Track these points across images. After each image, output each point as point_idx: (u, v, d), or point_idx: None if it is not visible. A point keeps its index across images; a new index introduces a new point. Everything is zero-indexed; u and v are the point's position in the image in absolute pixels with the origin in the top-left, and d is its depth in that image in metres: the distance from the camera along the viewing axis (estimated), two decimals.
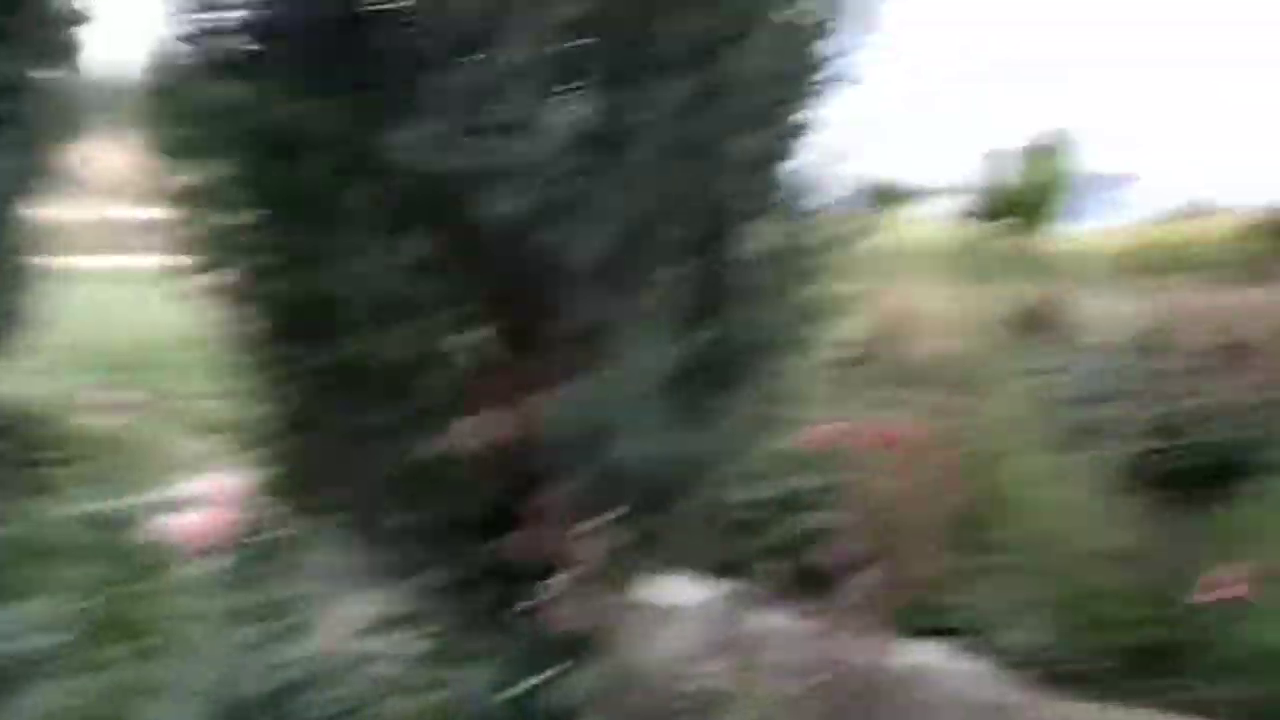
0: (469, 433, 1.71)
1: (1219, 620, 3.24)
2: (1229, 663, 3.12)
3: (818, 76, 1.79)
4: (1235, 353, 6.86)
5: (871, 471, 3.74)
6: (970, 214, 21.91)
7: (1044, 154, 22.19)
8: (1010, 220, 21.20)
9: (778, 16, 1.72)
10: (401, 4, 1.65)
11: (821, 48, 1.79)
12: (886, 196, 18.52)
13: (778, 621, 3.18)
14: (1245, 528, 3.62)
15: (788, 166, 1.86)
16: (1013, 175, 22.01)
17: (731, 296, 1.76)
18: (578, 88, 1.63)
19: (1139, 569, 3.47)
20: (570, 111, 1.59)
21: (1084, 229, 23.17)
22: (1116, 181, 29.89)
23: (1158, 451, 3.41)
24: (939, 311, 8.95)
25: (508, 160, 1.55)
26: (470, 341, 1.79)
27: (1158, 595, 3.30)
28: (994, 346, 7.54)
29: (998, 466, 4.46)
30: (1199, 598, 3.23)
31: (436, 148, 1.55)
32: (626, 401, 1.65)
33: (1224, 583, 3.22)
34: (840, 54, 1.80)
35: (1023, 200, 21.47)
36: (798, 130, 1.83)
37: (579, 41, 1.62)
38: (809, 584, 3.22)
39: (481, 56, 1.57)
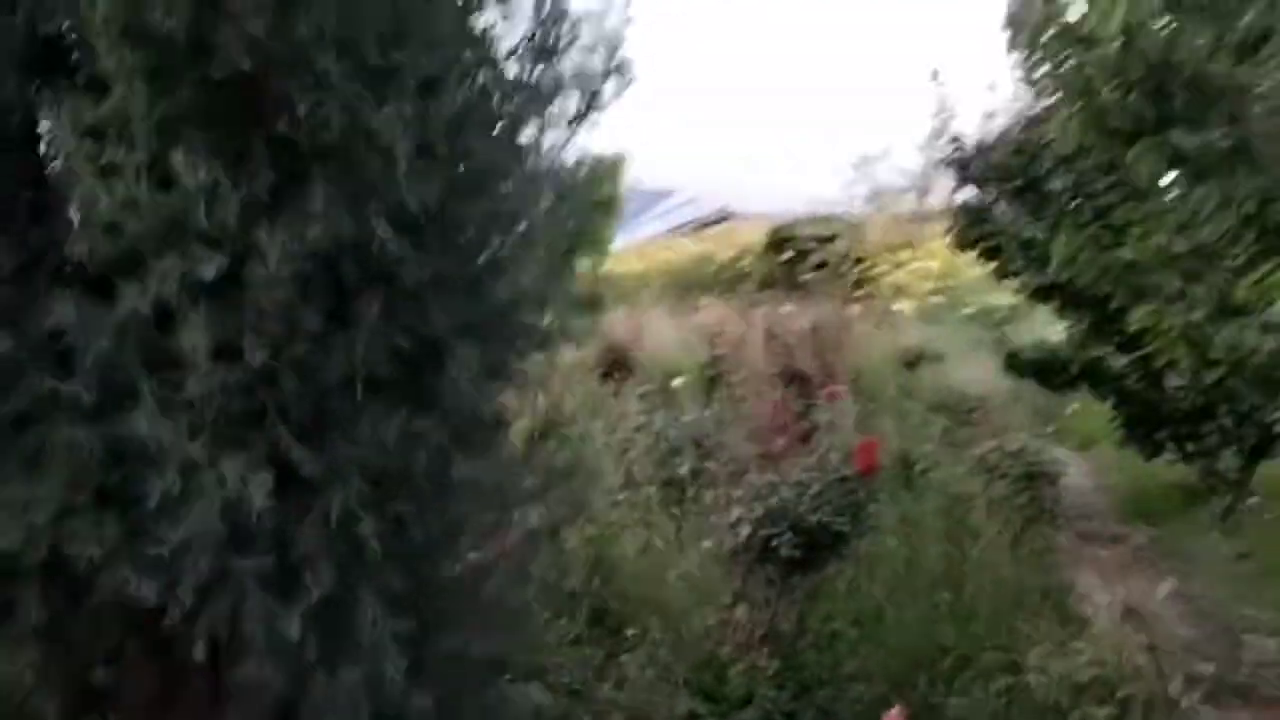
0: None
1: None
2: None
3: None
4: (794, 379, 7.67)
5: None
6: None
7: (595, 175, 23.47)
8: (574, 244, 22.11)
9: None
10: None
11: None
12: None
13: None
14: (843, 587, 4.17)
15: None
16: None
17: None
18: None
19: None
20: None
21: (631, 246, 24.92)
22: (658, 196, 32.62)
23: (761, 534, 3.60)
24: None
25: None
26: None
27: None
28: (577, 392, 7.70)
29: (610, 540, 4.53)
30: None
31: None
32: None
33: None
34: None
35: (584, 222, 22.49)
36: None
37: None
38: None
39: None
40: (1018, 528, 5.09)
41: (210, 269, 1.22)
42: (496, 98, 1.51)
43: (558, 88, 1.58)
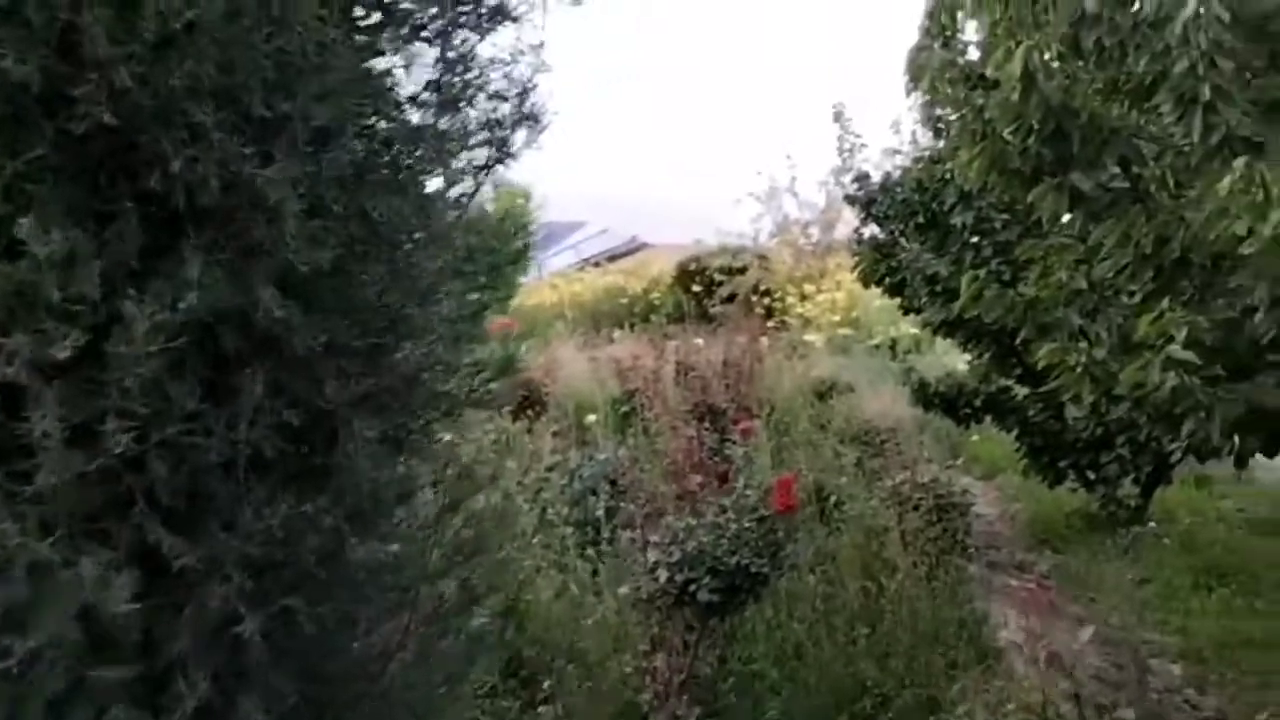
0: None
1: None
2: None
3: None
4: (708, 413, 7.64)
5: None
6: None
7: (506, 207, 23.25)
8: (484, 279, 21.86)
9: None
10: None
11: None
12: None
13: None
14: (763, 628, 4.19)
15: None
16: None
17: None
18: None
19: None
20: None
21: (543, 278, 24.82)
22: (570, 228, 32.63)
23: (679, 579, 3.53)
24: None
25: None
26: None
27: None
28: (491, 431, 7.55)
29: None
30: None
31: None
32: None
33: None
34: None
35: (494, 257, 22.26)
36: None
37: None
38: None
39: None
40: (932, 559, 5.13)
41: (64, 347, 1.08)
42: (395, 150, 1.41)
43: (465, 137, 1.49)
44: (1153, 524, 6.48)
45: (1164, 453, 5.69)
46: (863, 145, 7.55)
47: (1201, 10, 3.14)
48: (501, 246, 22.12)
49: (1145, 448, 5.79)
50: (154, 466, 1.14)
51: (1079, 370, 3.82)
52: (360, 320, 1.32)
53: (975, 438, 8.72)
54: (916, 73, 4.38)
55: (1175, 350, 3.29)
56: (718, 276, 17.55)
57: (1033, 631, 4.64)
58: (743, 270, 17.26)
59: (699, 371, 8.87)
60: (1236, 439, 3.63)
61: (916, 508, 5.67)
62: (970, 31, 4.56)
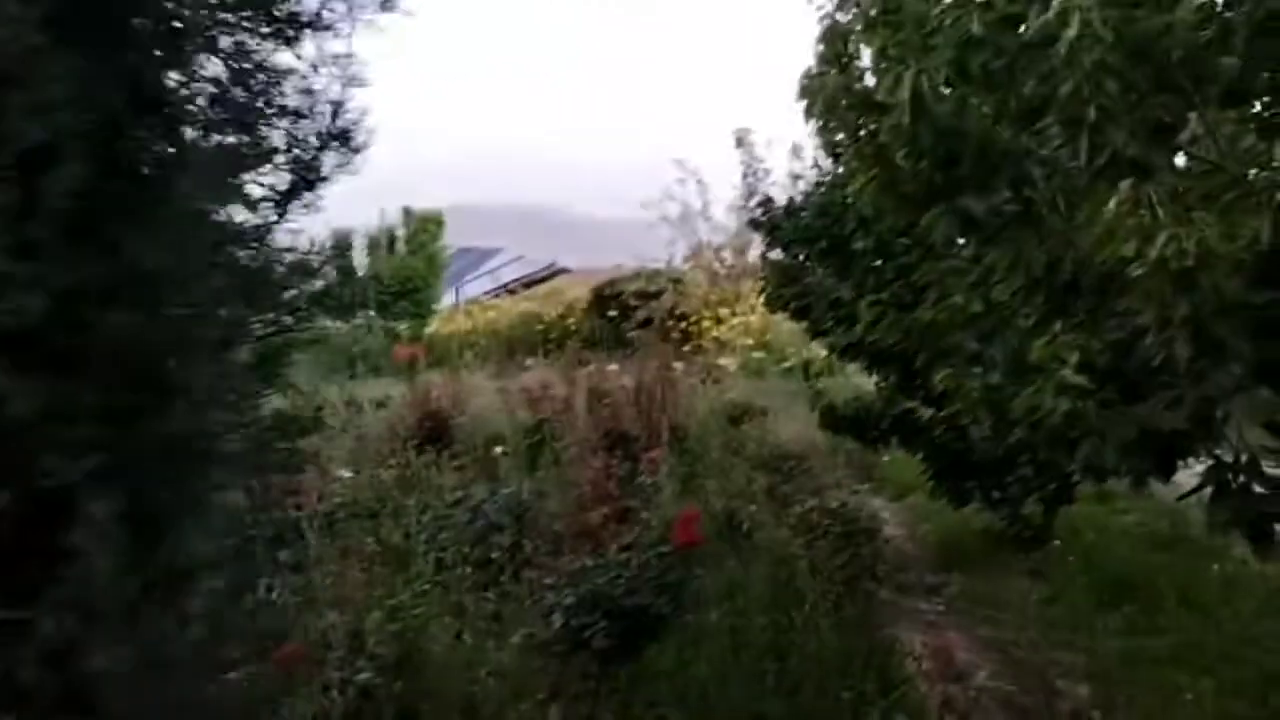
0: None
1: None
2: None
3: None
4: (618, 441, 7.51)
5: None
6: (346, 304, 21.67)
7: (417, 233, 22.77)
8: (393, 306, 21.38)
9: None
10: None
11: None
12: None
13: None
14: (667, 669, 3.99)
15: None
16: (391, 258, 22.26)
17: None
18: None
19: None
20: None
21: (457, 305, 24.46)
22: (486, 254, 32.32)
23: (574, 623, 3.37)
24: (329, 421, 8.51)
25: None
26: None
27: None
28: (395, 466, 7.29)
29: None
30: None
31: None
32: None
33: None
34: None
35: (405, 283, 21.82)
36: None
37: None
38: None
39: None
40: (840, 587, 5.06)
41: None
42: (154, 173, 1.23)
43: (259, 159, 1.31)
44: (1057, 542, 6.54)
45: (1066, 472, 5.74)
46: (766, 170, 7.54)
47: (1086, 31, 3.13)
48: (411, 274, 21.71)
49: (1047, 467, 5.82)
50: None
51: (975, 395, 3.78)
52: (104, 383, 1.13)
53: (887, 459, 8.75)
54: (810, 98, 4.33)
55: (1068, 375, 3.26)
56: (633, 301, 17.50)
57: (936, 653, 4.60)
58: (658, 295, 17.24)
59: (612, 398, 8.75)
60: (1130, 460, 3.62)
61: (825, 535, 5.62)
62: (866, 57, 4.55)
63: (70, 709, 1.11)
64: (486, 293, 27.34)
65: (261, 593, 2.76)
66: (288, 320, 1.51)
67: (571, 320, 18.72)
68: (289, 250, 1.44)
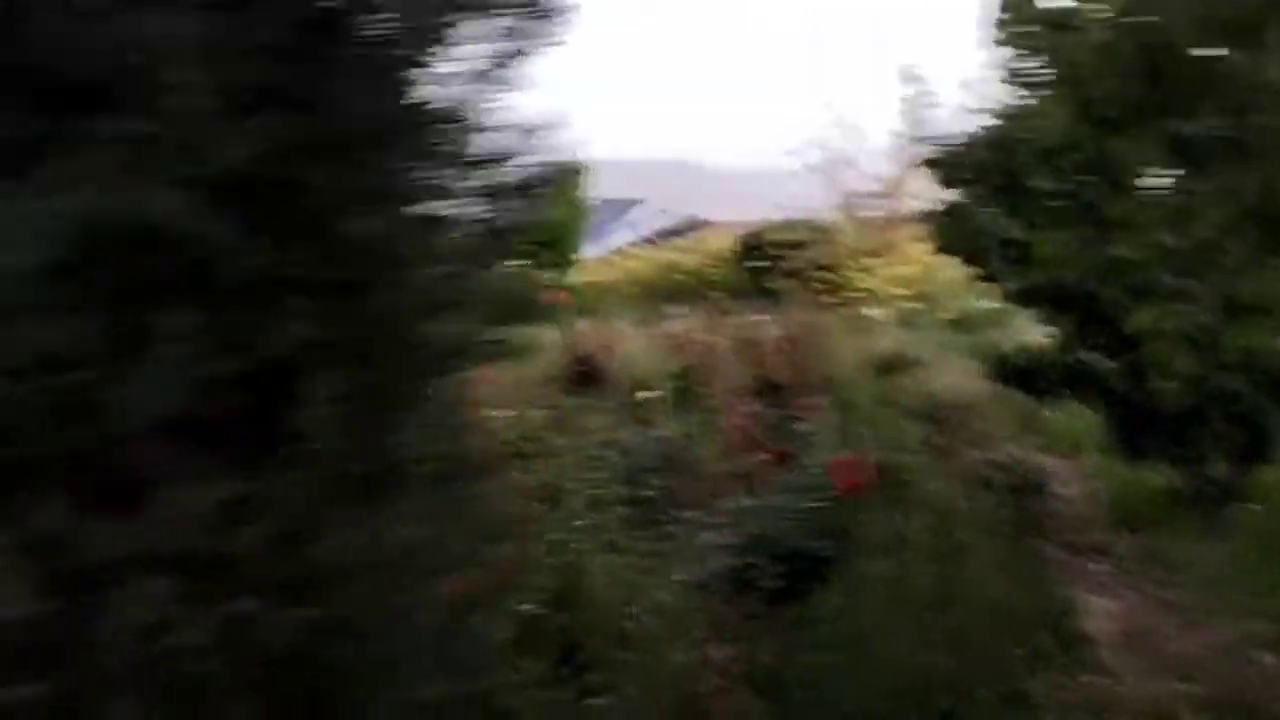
0: None
1: None
2: None
3: None
4: (768, 389, 7.40)
5: None
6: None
7: (561, 183, 22.96)
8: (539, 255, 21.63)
9: None
10: None
11: None
12: None
13: None
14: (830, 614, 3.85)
15: None
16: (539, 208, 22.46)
17: None
18: None
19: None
20: None
21: (600, 255, 24.60)
22: (626, 205, 32.40)
23: (740, 563, 3.29)
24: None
25: None
26: None
27: None
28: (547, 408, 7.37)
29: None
30: None
31: None
32: None
33: None
34: None
35: (549, 233, 22.01)
36: None
37: None
38: None
39: None
40: (1007, 542, 4.83)
41: None
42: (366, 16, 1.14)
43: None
44: (1247, 504, 6.05)
45: (1262, 426, 5.28)
46: (936, 105, 7.13)
47: None
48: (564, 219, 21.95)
49: (1241, 420, 5.37)
50: (38, 432, 0.89)
51: (1177, 336, 3.47)
52: (317, 240, 1.05)
53: (1055, 414, 8.32)
54: (998, 23, 4.04)
55: None
56: (778, 251, 17.15)
57: (1123, 620, 4.33)
58: (803, 244, 16.85)
59: (760, 347, 8.61)
60: None
61: (990, 487, 5.36)
62: None
63: (289, 596, 1.08)
64: (629, 244, 27.41)
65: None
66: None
67: (716, 270, 18.54)
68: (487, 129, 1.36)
